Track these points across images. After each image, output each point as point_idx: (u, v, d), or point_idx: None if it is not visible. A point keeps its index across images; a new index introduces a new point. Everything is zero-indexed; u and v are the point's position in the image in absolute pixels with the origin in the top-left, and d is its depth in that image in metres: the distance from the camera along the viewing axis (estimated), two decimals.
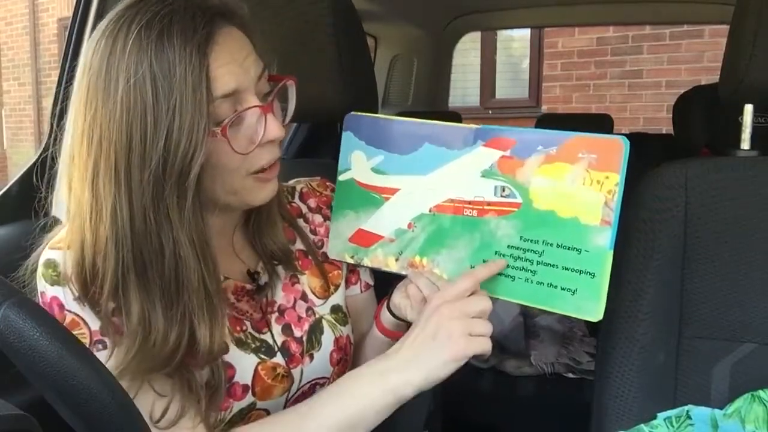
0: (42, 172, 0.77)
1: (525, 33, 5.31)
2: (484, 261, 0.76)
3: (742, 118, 0.92)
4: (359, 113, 0.84)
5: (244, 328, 0.77)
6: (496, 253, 0.75)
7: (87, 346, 0.68)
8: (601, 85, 4.88)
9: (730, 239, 0.88)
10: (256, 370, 0.76)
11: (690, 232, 0.89)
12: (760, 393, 0.84)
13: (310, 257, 0.85)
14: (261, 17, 0.76)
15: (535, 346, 1.86)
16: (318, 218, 0.88)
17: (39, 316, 0.53)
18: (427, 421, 0.95)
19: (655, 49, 4.60)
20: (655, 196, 0.91)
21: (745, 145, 0.93)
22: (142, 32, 0.62)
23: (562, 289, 0.72)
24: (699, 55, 4.41)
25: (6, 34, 8.48)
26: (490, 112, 5.43)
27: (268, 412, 0.77)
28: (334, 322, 0.84)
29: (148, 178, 0.63)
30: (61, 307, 0.68)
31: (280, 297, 0.81)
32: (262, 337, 0.78)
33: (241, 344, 0.76)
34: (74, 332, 0.68)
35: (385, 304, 0.84)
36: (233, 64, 0.66)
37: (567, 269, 0.71)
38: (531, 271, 0.73)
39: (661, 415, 0.86)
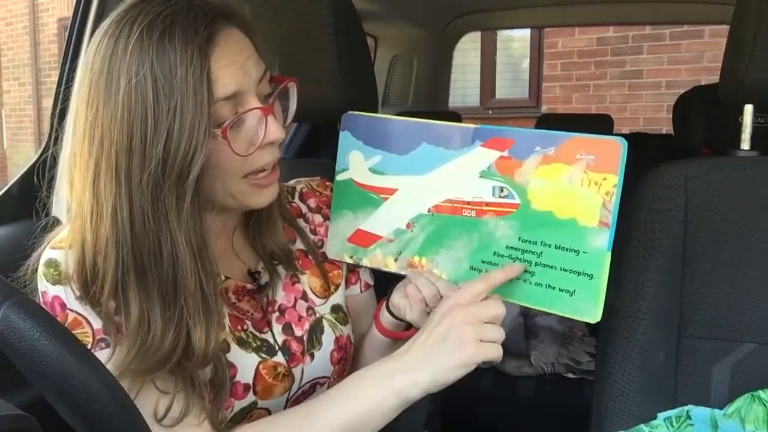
0: (42, 172, 0.78)
1: (525, 33, 5.31)
2: (482, 261, 0.76)
3: (742, 118, 0.92)
4: (356, 113, 0.84)
5: (245, 327, 0.77)
6: (494, 254, 0.75)
7: (90, 344, 0.68)
8: (601, 86, 4.88)
9: (730, 239, 0.88)
10: (257, 370, 0.76)
11: (690, 232, 0.89)
12: (760, 393, 0.84)
13: (310, 257, 0.86)
14: (261, 17, 0.76)
15: (535, 346, 1.86)
16: (318, 218, 0.88)
17: (39, 316, 0.53)
18: (427, 421, 0.95)
19: (655, 50, 4.60)
20: (655, 196, 0.91)
21: (745, 145, 0.93)
22: (144, 33, 0.62)
23: (561, 290, 0.72)
24: (699, 55, 4.41)
25: (6, 34, 8.48)
26: (490, 112, 5.42)
27: (269, 412, 0.77)
28: (334, 321, 0.84)
29: (147, 179, 0.63)
30: (63, 306, 0.68)
31: (281, 297, 0.82)
32: (263, 336, 0.78)
33: (242, 343, 0.76)
34: (77, 331, 0.68)
35: (384, 304, 0.84)
36: (234, 66, 0.66)
37: (565, 270, 0.71)
38: (529, 272, 0.73)
39: (661, 415, 0.86)
